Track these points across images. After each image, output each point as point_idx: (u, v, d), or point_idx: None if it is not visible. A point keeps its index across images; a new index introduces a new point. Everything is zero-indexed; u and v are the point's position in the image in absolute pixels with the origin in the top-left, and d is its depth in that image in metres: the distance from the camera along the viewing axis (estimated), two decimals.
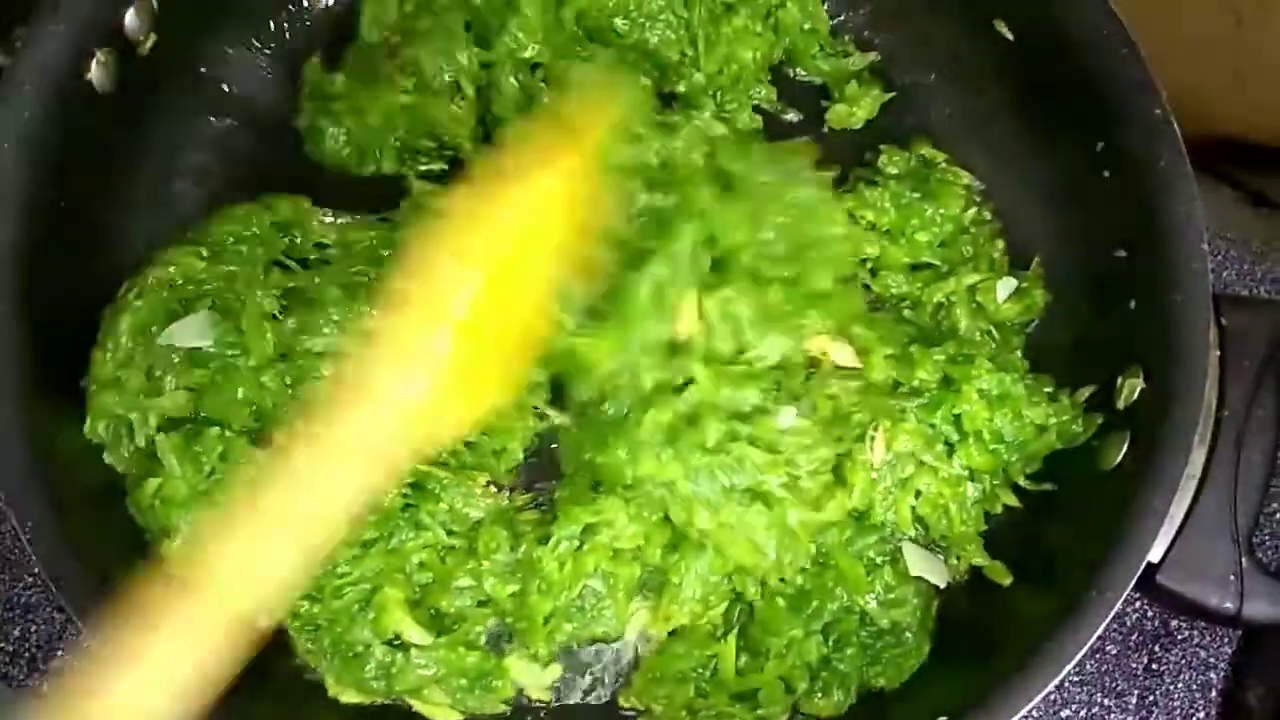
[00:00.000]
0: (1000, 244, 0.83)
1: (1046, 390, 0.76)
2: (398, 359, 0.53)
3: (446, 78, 0.81)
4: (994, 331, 0.80)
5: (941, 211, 0.81)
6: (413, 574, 0.73)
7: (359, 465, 0.52)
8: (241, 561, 0.50)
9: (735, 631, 0.74)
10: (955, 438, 0.75)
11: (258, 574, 0.50)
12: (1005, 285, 0.80)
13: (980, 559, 0.75)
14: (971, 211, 0.83)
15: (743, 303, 0.69)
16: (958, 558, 0.76)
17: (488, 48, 0.82)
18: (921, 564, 0.74)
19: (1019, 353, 0.80)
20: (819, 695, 0.73)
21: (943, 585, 0.75)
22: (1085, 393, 0.75)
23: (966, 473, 0.75)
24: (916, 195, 0.81)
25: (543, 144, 0.60)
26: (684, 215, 0.69)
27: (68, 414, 0.72)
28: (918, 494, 0.74)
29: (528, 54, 0.82)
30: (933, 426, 0.74)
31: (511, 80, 0.82)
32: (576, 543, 0.72)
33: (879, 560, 0.74)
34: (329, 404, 0.53)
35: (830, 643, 0.73)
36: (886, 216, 0.81)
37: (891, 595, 0.73)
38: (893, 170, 0.83)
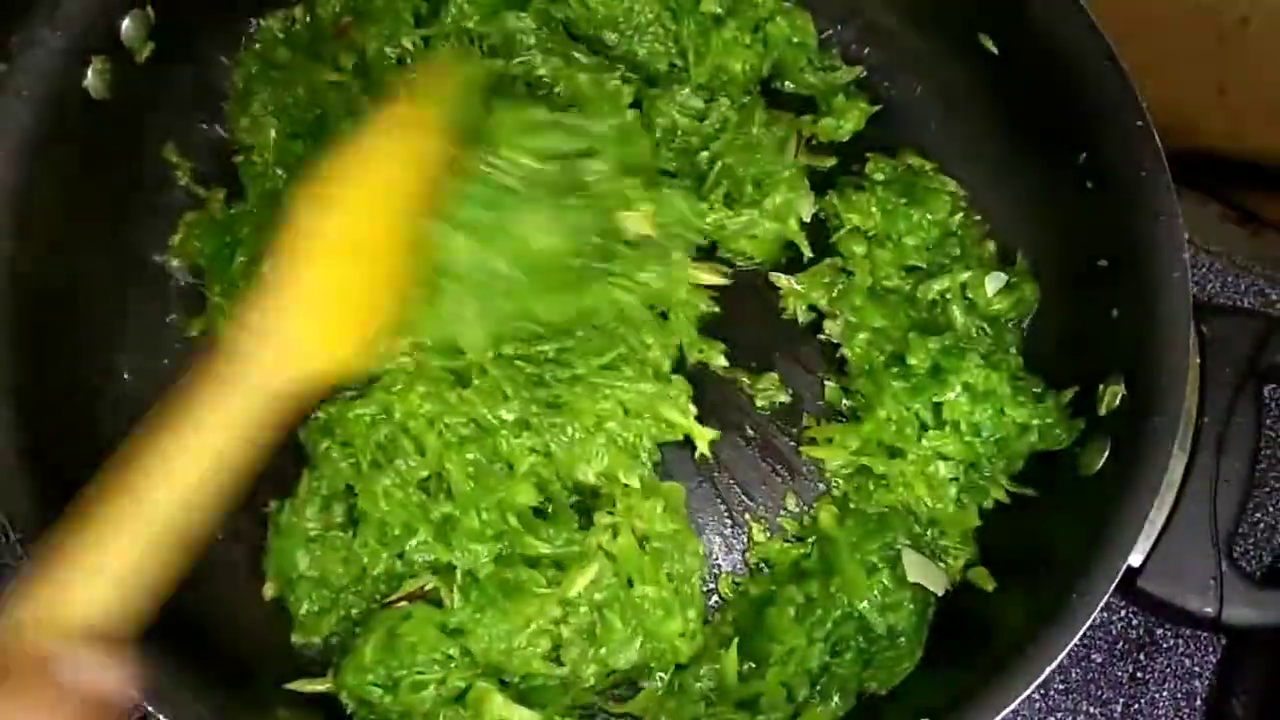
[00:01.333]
0: (991, 246, 0.84)
1: (1035, 390, 0.77)
2: (271, 294, 0.57)
3: (389, 61, 0.83)
4: (988, 328, 0.81)
5: (928, 216, 0.82)
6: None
7: (247, 400, 0.55)
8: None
9: (736, 641, 0.74)
10: (931, 423, 0.76)
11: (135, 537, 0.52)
12: (994, 280, 0.81)
13: (972, 556, 0.76)
14: (958, 216, 0.84)
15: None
16: (954, 559, 0.76)
17: (430, 24, 0.84)
18: (920, 570, 0.75)
19: (1014, 349, 0.81)
20: (818, 701, 0.73)
21: (940, 593, 0.75)
22: (1067, 396, 0.76)
23: (933, 453, 0.76)
24: (903, 201, 0.82)
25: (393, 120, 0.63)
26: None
27: (64, 415, 0.73)
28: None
29: (470, 25, 0.83)
30: (908, 409, 0.76)
31: (448, 44, 0.83)
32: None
33: (879, 564, 0.74)
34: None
35: (830, 649, 0.74)
36: (872, 221, 0.82)
37: (889, 599, 0.74)
38: (879, 177, 0.85)
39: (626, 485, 0.76)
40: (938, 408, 0.76)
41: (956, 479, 0.77)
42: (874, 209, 0.82)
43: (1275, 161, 0.98)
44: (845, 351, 0.81)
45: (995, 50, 0.83)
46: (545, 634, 0.73)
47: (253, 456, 0.56)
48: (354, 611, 0.74)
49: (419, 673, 0.70)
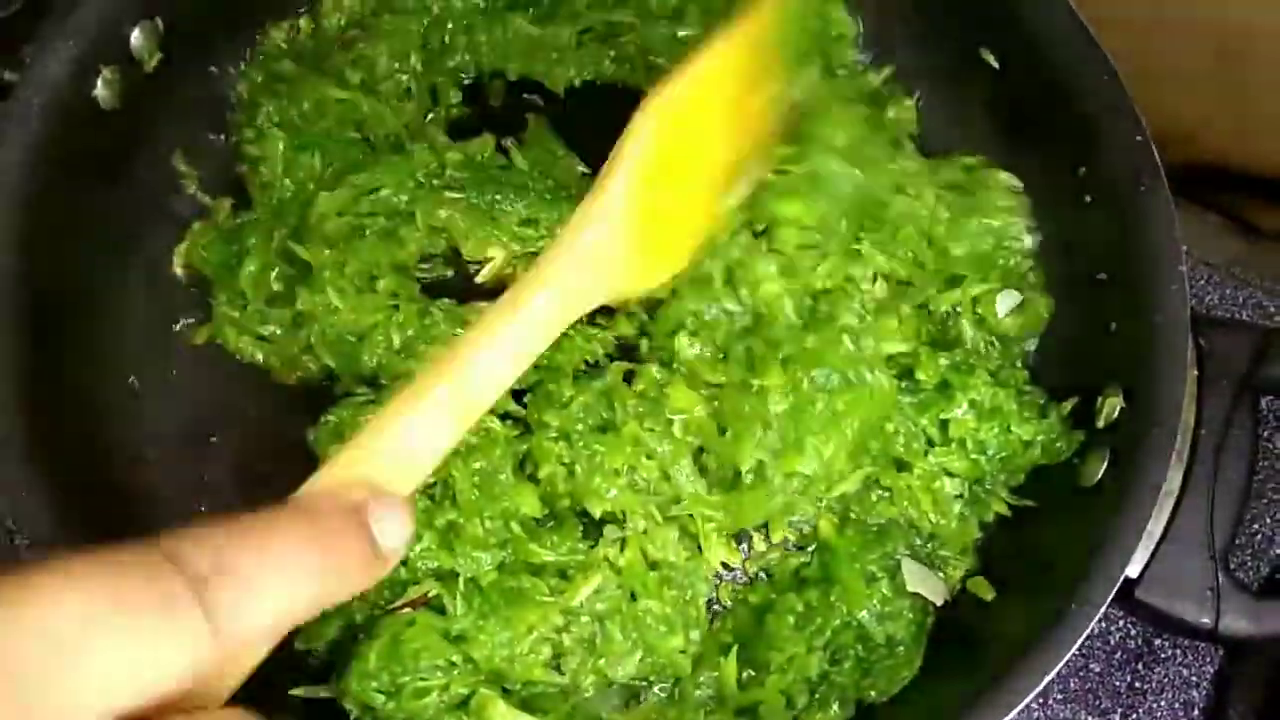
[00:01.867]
0: (1029, 259, 0.82)
1: (1039, 403, 0.77)
2: (592, 210, 0.58)
3: (399, 79, 0.84)
4: (996, 343, 0.80)
5: (984, 221, 0.81)
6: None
7: (562, 305, 0.58)
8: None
9: (735, 649, 0.75)
10: (938, 440, 0.76)
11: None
12: (1007, 298, 0.80)
13: (971, 566, 0.76)
14: (1014, 223, 0.82)
15: None
16: (953, 569, 0.77)
17: (435, 59, 0.85)
18: (919, 580, 0.75)
19: (1020, 363, 0.81)
20: (816, 709, 0.73)
21: (939, 603, 0.75)
22: (1067, 408, 0.77)
23: (939, 469, 0.76)
24: (970, 200, 0.82)
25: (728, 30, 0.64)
26: None
27: (72, 423, 0.73)
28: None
29: (468, 76, 0.86)
30: (915, 424, 0.76)
31: (455, 92, 0.86)
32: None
33: (878, 574, 0.75)
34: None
35: (829, 658, 0.74)
36: (939, 226, 0.81)
37: (887, 609, 0.74)
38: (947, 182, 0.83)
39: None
40: (944, 424, 0.76)
41: (961, 495, 0.77)
42: (944, 212, 0.81)
43: (1275, 173, 0.98)
44: None
45: (995, 64, 0.83)
46: (546, 641, 0.73)
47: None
48: (357, 618, 0.74)
49: (422, 679, 0.71)
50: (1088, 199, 0.78)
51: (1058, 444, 0.76)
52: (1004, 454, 0.76)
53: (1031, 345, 0.82)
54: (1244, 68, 0.93)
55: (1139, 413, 0.70)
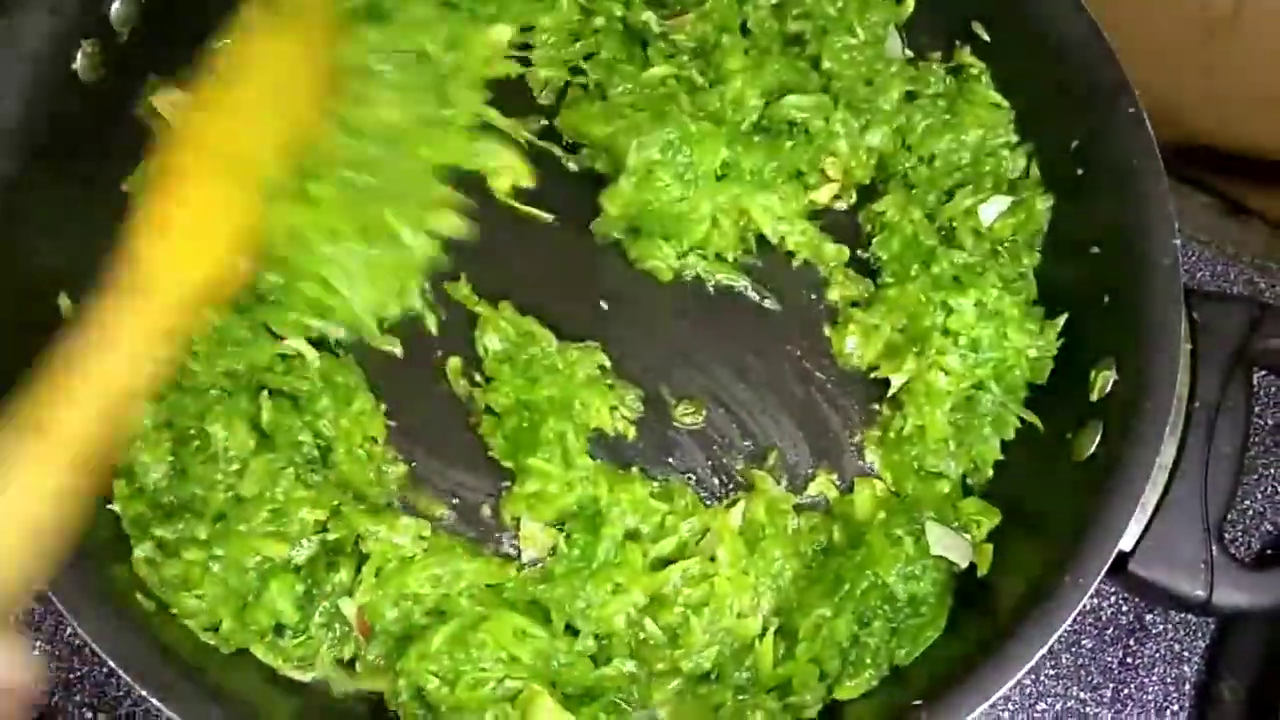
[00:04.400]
0: (1021, 162, 0.82)
1: (1040, 319, 0.77)
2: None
3: None
4: (1002, 249, 0.80)
5: (963, 138, 0.82)
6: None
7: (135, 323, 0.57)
8: None
9: (772, 631, 0.74)
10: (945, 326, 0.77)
11: None
12: (993, 205, 0.80)
13: (996, 522, 0.76)
14: (1000, 136, 0.82)
15: None
16: (977, 527, 0.76)
17: None
18: (944, 543, 0.74)
19: (1031, 274, 0.80)
20: (849, 677, 0.72)
21: (964, 565, 0.74)
22: (1060, 323, 0.77)
23: (935, 364, 0.76)
24: (947, 117, 0.82)
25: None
26: None
27: None
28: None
29: None
30: (927, 297, 0.77)
31: None
32: None
33: (903, 535, 0.74)
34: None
35: (858, 619, 0.73)
36: (914, 135, 0.82)
37: (910, 568, 0.73)
38: (930, 90, 0.84)
39: None
40: (948, 311, 0.76)
41: (953, 395, 0.77)
42: (919, 119, 0.82)
43: (1262, 153, 0.98)
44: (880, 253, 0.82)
45: (988, 37, 0.83)
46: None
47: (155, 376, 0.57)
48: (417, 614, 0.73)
49: (483, 669, 0.70)
50: (1080, 172, 0.77)
51: (1047, 365, 0.76)
52: (996, 358, 0.76)
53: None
54: (1234, 46, 0.93)
55: (1132, 386, 0.70)
